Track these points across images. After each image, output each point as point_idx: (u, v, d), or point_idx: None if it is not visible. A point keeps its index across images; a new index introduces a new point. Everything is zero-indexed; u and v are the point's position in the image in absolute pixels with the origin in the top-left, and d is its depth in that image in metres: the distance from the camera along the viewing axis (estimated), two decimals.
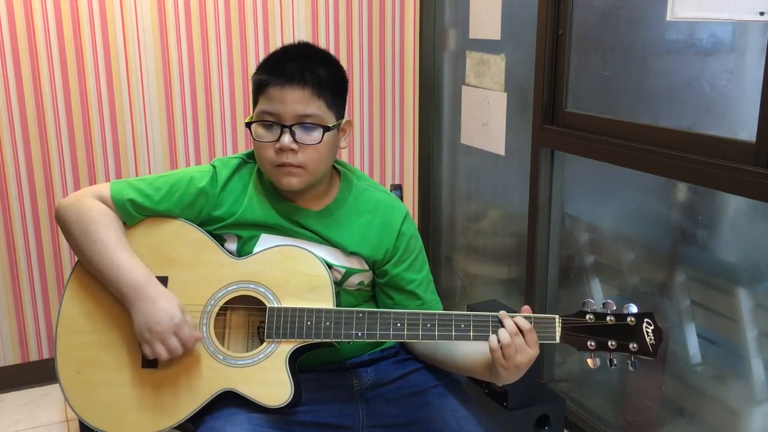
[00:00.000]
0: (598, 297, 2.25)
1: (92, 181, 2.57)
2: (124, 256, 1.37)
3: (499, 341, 1.26)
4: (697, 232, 1.93)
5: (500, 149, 2.59)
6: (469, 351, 1.39)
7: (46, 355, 2.65)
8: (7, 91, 2.41)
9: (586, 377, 2.38)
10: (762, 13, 1.62)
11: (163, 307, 1.32)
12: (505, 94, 2.52)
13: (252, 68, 2.65)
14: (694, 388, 1.97)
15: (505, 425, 2.08)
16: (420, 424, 1.40)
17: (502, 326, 1.28)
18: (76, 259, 1.44)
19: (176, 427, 1.38)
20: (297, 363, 1.37)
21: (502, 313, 1.29)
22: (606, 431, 2.23)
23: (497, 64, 2.54)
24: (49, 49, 2.43)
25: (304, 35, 2.74)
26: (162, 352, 1.31)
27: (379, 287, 1.51)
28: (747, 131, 1.69)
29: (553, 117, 2.26)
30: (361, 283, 1.49)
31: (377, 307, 1.52)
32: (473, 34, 2.67)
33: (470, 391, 2.25)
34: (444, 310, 1.54)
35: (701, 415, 1.97)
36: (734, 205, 1.83)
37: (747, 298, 1.81)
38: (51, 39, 2.42)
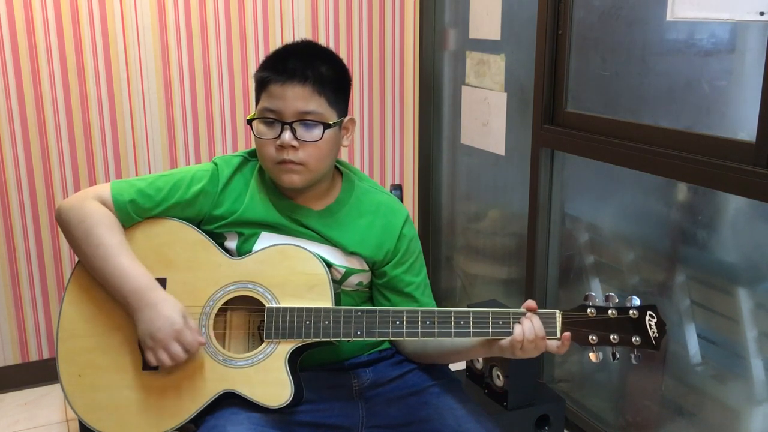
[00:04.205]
0: (598, 297, 2.24)
1: (92, 181, 2.57)
2: (127, 261, 1.36)
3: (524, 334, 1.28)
4: (697, 232, 1.93)
5: (500, 149, 2.58)
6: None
7: (46, 355, 2.65)
8: (7, 91, 2.41)
9: (586, 377, 2.38)
10: (762, 13, 1.62)
11: (165, 314, 1.32)
12: (505, 94, 2.52)
13: (252, 68, 2.65)
14: (694, 388, 1.97)
15: (505, 425, 2.08)
16: (419, 424, 1.40)
17: (520, 323, 1.29)
18: (76, 260, 1.44)
19: (177, 428, 1.38)
20: (297, 362, 1.38)
21: (529, 315, 1.30)
22: (606, 431, 2.23)
23: (497, 64, 2.54)
24: (49, 49, 2.43)
25: (304, 35, 2.74)
26: (165, 359, 1.32)
27: (377, 288, 1.51)
28: (747, 131, 1.69)
29: (553, 117, 2.26)
30: (359, 283, 1.49)
31: None
32: (473, 34, 2.67)
33: (470, 391, 2.25)
34: None
35: (701, 415, 1.97)
36: (734, 205, 1.83)
37: (747, 298, 1.81)
38: (51, 39, 2.42)
